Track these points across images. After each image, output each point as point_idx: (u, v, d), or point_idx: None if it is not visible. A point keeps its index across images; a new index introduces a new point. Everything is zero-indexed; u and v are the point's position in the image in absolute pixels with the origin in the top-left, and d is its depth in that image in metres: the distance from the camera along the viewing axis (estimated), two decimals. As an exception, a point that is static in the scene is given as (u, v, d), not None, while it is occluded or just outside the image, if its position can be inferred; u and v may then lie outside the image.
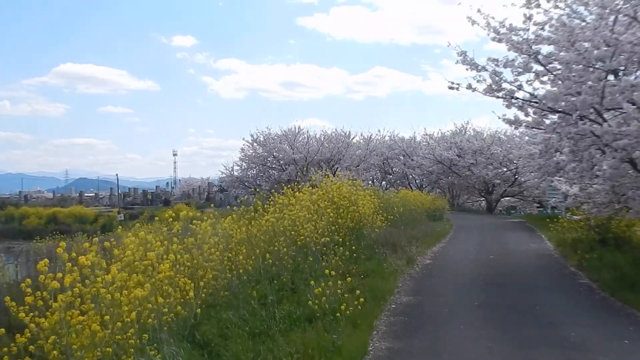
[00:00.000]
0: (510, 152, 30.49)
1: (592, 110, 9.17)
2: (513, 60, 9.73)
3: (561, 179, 13.33)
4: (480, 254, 13.72)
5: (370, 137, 37.45)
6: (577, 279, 10.09)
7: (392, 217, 15.54)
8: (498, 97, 10.06)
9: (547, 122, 10.03)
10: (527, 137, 27.41)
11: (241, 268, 8.04)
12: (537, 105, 9.41)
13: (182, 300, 6.27)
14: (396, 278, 10.16)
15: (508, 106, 9.80)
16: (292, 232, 9.36)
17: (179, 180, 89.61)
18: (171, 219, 8.22)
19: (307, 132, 36.06)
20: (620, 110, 9.99)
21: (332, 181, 14.01)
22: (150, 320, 5.30)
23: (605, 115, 9.67)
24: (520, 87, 9.55)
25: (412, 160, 35.30)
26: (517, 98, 9.65)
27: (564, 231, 14.32)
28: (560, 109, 9.13)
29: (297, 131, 36.05)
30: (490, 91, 9.56)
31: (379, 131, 38.56)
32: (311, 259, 8.90)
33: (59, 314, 4.42)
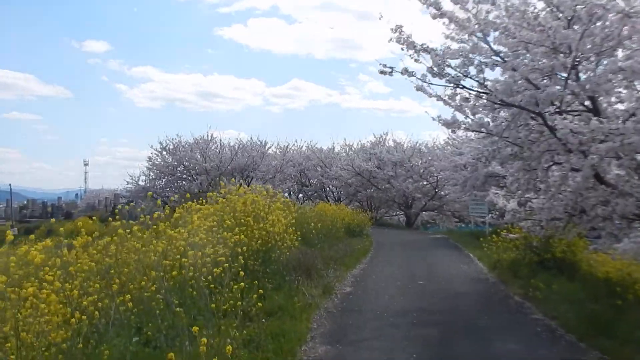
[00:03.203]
0: (431, 164, 29.47)
1: (552, 108, 7.53)
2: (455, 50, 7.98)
3: (498, 192, 11.74)
4: (408, 278, 11.86)
5: (287, 147, 35.62)
6: (528, 314, 8.30)
7: (307, 234, 13.49)
8: (432, 95, 8.27)
9: (493, 124, 8.33)
10: (449, 148, 26.52)
11: (90, 316, 5.57)
12: (486, 97, 7.63)
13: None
14: (310, 315, 8.00)
15: (451, 97, 8.00)
16: (171, 262, 6.91)
17: (90, 191, 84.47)
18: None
19: (220, 140, 33.80)
20: (579, 111, 8.48)
21: (241, 192, 11.49)
22: None
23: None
24: (467, 74, 7.74)
25: (330, 170, 33.66)
26: (463, 86, 7.84)
27: (498, 251, 12.76)
28: (514, 103, 7.38)
29: (209, 139, 33.66)
30: (431, 74, 7.66)
31: (296, 142, 36.83)
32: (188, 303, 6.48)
33: None
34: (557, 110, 7.53)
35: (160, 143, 33.32)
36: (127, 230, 6.99)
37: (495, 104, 7.64)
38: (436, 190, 30.29)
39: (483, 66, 7.66)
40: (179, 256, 6.81)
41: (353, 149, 35.08)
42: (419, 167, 30.46)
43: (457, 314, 8.44)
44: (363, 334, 7.26)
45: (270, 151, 34.29)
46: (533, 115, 8.10)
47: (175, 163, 34.09)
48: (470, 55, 7.65)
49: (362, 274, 12.38)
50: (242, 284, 6.78)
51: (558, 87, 7.05)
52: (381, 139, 33.92)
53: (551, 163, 8.27)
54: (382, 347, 6.65)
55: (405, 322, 7.87)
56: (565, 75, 7.53)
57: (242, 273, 6.93)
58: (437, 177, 29.24)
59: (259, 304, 7.12)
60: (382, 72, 8.31)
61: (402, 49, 8.07)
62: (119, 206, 8.47)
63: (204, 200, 10.54)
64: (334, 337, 7.04)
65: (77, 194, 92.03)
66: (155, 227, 7.40)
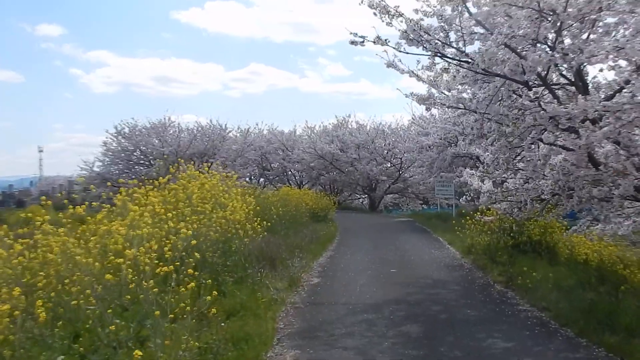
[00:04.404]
0: (395, 145, 28.89)
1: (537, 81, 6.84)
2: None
3: (473, 173, 11.11)
4: (378, 266, 11.15)
5: (248, 131, 34.59)
6: (514, 305, 7.64)
7: (270, 221, 12.62)
8: (405, 72, 7.55)
9: (479, 96, 7.62)
10: (414, 128, 25.96)
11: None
12: (467, 66, 6.89)
13: None
14: (275, 313, 7.19)
15: (429, 68, 7.33)
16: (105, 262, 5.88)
17: (45, 178, 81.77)
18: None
19: (179, 124, 32.43)
20: (562, 84, 7.84)
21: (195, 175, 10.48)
22: None
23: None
24: (447, 42, 6.96)
25: (292, 154, 32.77)
26: (443, 55, 7.06)
27: (472, 235, 12.18)
28: (498, 72, 6.65)
29: (167, 123, 32.26)
30: (407, 40, 6.84)
31: (257, 125, 35.77)
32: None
33: None
34: (537, 81, 6.88)
35: (116, 127, 31.90)
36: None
37: (478, 73, 6.90)
38: (400, 172, 29.79)
39: (462, 35, 6.87)
40: (113, 257, 5.77)
41: (315, 131, 34.18)
42: (382, 149, 29.88)
43: (437, 306, 7.74)
44: (336, 333, 6.47)
45: (230, 135, 33.25)
46: (516, 88, 7.46)
47: (132, 148, 32.73)
48: (446, 26, 6.90)
49: (330, 263, 11.64)
50: (193, 283, 5.87)
51: (545, 54, 6.34)
52: (344, 121, 33.17)
53: (537, 140, 7.61)
54: (359, 349, 5.87)
55: (381, 317, 7.12)
56: (548, 44, 6.89)
57: (190, 270, 5.98)
58: (401, 158, 28.73)
59: (214, 309, 6.19)
60: (352, 43, 7.53)
61: (375, 14, 7.27)
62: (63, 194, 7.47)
63: (155, 184, 9.37)
64: (305, 339, 6.23)
65: (31, 182, 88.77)
66: (89, 219, 6.38)
